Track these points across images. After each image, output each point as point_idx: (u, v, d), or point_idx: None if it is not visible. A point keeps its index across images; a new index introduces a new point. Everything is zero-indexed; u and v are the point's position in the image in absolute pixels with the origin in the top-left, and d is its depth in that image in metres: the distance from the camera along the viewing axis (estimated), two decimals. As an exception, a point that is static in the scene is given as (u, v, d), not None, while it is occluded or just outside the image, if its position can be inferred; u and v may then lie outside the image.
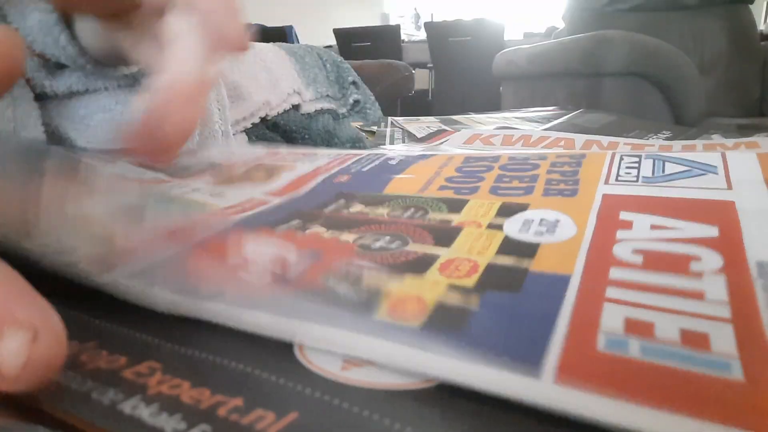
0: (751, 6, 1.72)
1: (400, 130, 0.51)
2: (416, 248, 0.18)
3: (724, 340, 0.12)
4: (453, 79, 2.81)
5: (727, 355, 0.12)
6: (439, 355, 0.12)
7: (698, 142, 0.33)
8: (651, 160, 0.24)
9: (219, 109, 0.48)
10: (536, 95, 1.42)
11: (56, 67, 0.37)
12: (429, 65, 3.07)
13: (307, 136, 0.71)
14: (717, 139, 0.34)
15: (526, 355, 0.12)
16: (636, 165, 0.24)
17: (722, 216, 0.18)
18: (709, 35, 1.66)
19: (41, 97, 0.35)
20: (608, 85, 1.28)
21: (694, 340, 0.12)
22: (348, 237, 0.19)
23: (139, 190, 0.26)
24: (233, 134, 0.52)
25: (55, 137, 0.37)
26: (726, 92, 1.62)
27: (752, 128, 0.35)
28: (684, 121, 1.18)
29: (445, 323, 0.14)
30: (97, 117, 0.38)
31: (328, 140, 0.74)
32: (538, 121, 0.41)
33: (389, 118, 0.84)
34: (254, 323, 0.14)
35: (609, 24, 1.58)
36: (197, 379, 0.12)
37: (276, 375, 0.13)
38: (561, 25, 1.93)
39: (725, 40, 1.65)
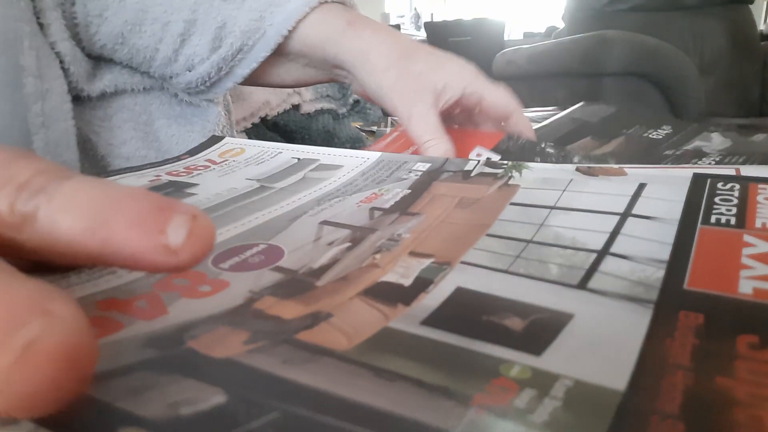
0: (751, 6, 1.72)
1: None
2: None
3: None
4: (453, 79, 2.80)
5: None
6: None
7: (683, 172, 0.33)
8: None
9: (226, 113, 0.48)
10: (536, 95, 1.42)
11: (94, 70, 0.38)
12: (429, 65, 3.07)
13: (307, 136, 0.72)
14: (716, 138, 0.34)
15: None
16: None
17: None
18: (709, 35, 1.66)
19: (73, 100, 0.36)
20: (608, 85, 1.28)
21: None
22: None
23: None
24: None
25: (79, 138, 0.37)
26: (726, 92, 1.62)
27: (752, 128, 0.35)
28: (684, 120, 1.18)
29: None
30: (118, 116, 0.39)
31: (328, 140, 0.74)
32: (537, 121, 0.41)
33: (389, 117, 0.84)
34: None
35: (609, 24, 1.58)
36: None
37: None
38: (561, 25, 1.93)
39: (725, 40, 1.65)
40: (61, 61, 0.35)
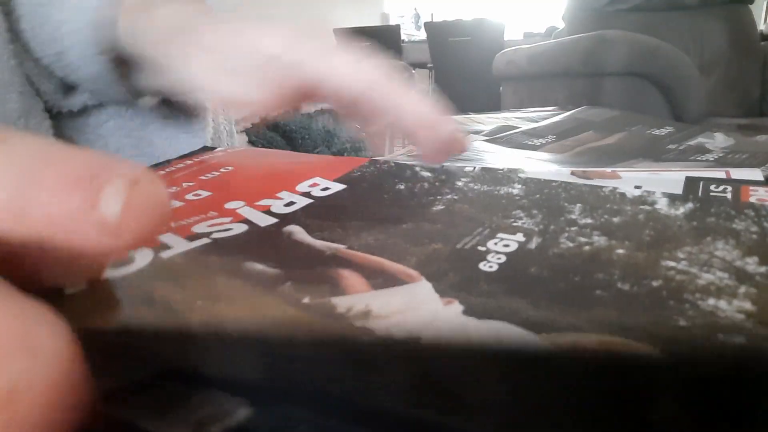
0: (751, 6, 1.72)
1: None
2: None
3: None
4: (453, 79, 2.81)
5: None
6: None
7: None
8: None
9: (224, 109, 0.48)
10: (536, 95, 1.42)
11: (68, 86, 0.37)
12: (429, 65, 3.07)
13: (307, 136, 0.72)
14: (719, 136, 0.34)
15: None
16: None
17: None
18: (709, 35, 1.66)
19: (55, 115, 0.36)
20: (608, 85, 1.28)
21: None
22: None
23: None
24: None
25: None
26: (726, 92, 1.62)
27: (752, 128, 0.35)
28: (684, 120, 1.18)
29: None
30: (109, 124, 0.39)
31: (329, 140, 0.74)
32: (537, 121, 0.41)
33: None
34: None
35: (609, 24, 1.58)
36: None
37: None
38: (561, 25, 1.93)
39: (725, 40, 1.65)
40: (30, 81, 0.35)
